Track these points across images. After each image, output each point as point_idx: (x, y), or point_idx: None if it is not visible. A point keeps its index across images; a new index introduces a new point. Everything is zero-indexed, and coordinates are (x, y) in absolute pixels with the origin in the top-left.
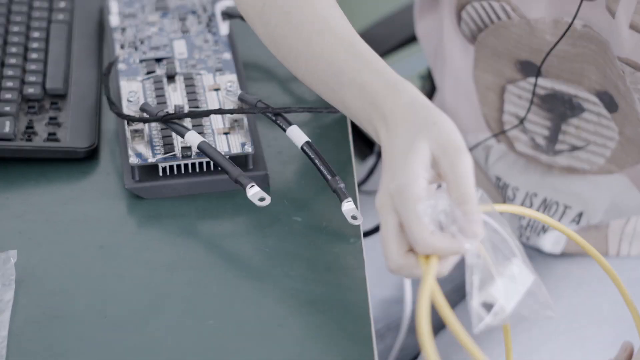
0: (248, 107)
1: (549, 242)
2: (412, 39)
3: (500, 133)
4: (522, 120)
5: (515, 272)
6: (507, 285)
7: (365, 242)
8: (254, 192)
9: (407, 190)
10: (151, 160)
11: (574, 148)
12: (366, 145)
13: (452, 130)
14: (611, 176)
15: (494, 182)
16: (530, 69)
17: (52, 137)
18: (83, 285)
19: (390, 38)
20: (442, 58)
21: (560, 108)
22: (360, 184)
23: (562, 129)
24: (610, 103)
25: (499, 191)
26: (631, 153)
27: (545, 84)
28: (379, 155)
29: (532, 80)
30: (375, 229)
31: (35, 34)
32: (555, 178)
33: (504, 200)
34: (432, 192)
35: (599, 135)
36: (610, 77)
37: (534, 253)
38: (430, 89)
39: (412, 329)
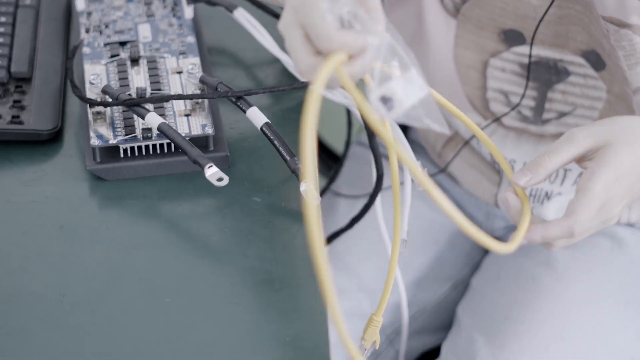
0: (209, 90)
1: (552, 210)
2: None
3: (494, 120)
4: (507, 95)
5: (414, 78)
6: (406, 85)
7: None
8: (212, 172)
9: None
10: (112, 141)
11: (562, 114)
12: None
13: None
14: None
15: (489, 160)
16: (515, 38)
17: (15, 119)
18: (42, 264)
19: None
20: (421, 44)
21: (545, 75)
22: (330, 183)
23: (548, 97)
24: (597, 62)
25: (495, 167)
26: (621, 110)
27: (529, 51)
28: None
29: (516, 49)
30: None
31: (2, 19)
32: (547, 146)
33: (500, 177)
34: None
35: (586, 98)
36: (595, 36)
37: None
38: None
39: (414, 333)
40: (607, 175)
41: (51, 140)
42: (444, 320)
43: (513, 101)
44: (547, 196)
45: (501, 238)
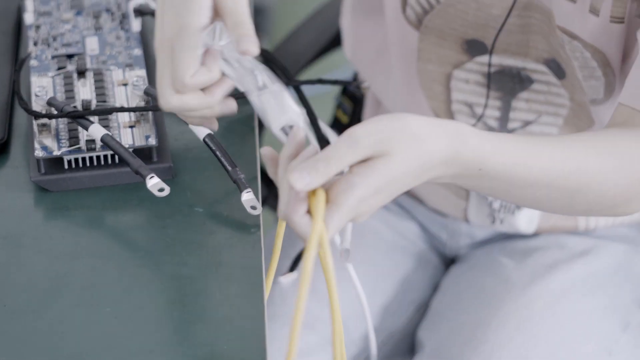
0: (154, 102)
1: (523, 221)
2: (331, 45)
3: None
4: (472, 106)
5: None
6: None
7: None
8: (153, 182)
9: (190, 27)
10: (56, 153)
11: (527, 123)
12: None
13: None
14: None
15: None
16: (476, 48)
17: None
18: None
19: (315, 44)
20: (385, 57)
21: (508, 84)
22: None
23: (513, 106)
24: (558, 70)
25: None
26: (583, 118)
27: (492, 61)
28: None
29: (479, 59)
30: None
31: None
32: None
33: (467, 190)
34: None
35: (550, 105)
36: (554, 46)
37: (483, 254)
38: (352, 108)
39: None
40: (370, 188)
41: None
42: (412, 344)
43: (478, 112)
44: (518, 207)
45: (466, 255)
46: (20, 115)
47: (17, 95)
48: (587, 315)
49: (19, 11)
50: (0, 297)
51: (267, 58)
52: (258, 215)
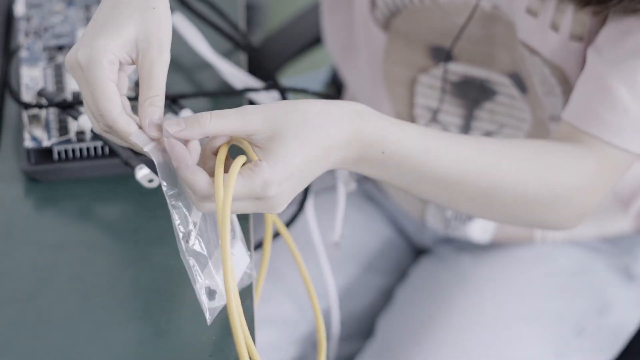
0: None
1: (477, 231)
2: (315, 42)
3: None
4: (435, 112)
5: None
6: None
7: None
8: (143, 174)
9: (96, 63)
10: (46, 143)
11: (488, 133)
12: None
13: (164, 20)
14: None
15: None
16: (441, 55)
17: None
18: None
19: (299, 39)
20: (352, 55)
21: (472, 93)
22: None
23: (475, 115)
24: (520, 84)
25: None
26: (543, 134)
27: (457, 69)
28: None
29: (444, 67)
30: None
31: None
32: None
33: None
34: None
35: (513, 118)
36: (516, 59)
37: (454, 249)
38: (335, 92)
39: (341, 339)
40: (277, 176)
41: None
42: (371, 329)
43: (439, 118)
44: (469, 218)
45: (431, 249)
46: (10, 106)
47: (7, 86)
48: (539, 317)
49: (10, 3)
50: None
51: (253, 57)
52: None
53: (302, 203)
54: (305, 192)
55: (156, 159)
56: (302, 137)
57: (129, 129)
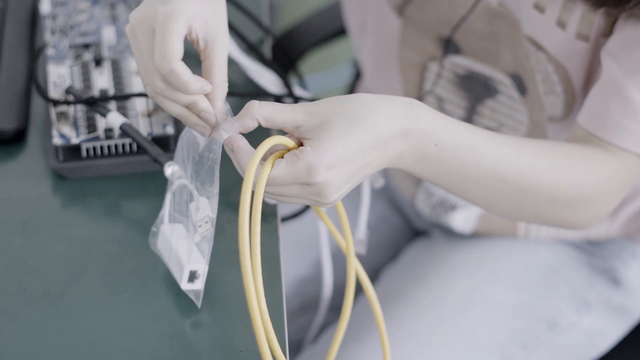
0: None
1: (459, 220)
2: (342, 31)
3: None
4: (441, 100)
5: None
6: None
7: (283, 226)
8: (172, 170)
9: (174, 18)
10: (74, 140)
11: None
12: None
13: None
14: None
15: None
16: (450, 47)
17: None
18: (3, 260)
19: (323, 29)
20: (367, 35)
21: (476, 89)
22: None
23: (477, 110)
24: (520, 86)
25: None
26: (540, 137)
27: (463, 63)
28: None
29: (452, 59)
30: (294, 215)
31: None
32: None
33: (419, 179)
34: None
35: (511, 119)
36: (519, 58)
37: (445, 233)
38: (357, 75)
39: (333, 307)
40: (321, 161)
41: (15, 139)
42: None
43: (445, 107)
44: (452, 207)
45: (426, 231)
46: (36, 103)
47: (35, 83)
48: (509, 307)
49: (35, 1)
50: (20, 283)
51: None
52: (275, 205)
53: None
54: None
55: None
56: (350, 126)
57: (190, 77)
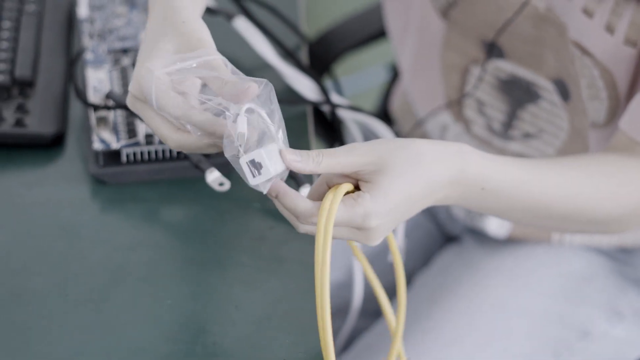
0: None
1: (494, 225)
2: (380, 35)
3: (456, 108)
4: (481, 104)
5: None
6: (272, 155)
7: None
8: (214, 177)
9: (147, 80)
10: (115, 146)
11: (527, 135)
12: (328, 140)
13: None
14: None
15: None
16: (493, 51)
17: (19, 123)
18: (45, 265)
19: (358, 32)
20: (409, 36)
21: (517, 94)
22: None
23: (518, 115)
24: (563, 91)
25: None
26: (578, 146)
27: (506, 67)
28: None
29: (495, 62)
30: None
31: (7, 24)
32: None
33: None
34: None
35: (552, 124)
36: (564, 62)
37: (478, 239)
38: (395, 77)
39: (364, 312)
40: (378, 209)
41: (54, 144)
42: None
43: (485, 111)
44: None
45: (458, 237)
46: (74, 108)
47: (74, 87)
48: (542, 315)
49: (71, 5)
50: (62, 287)
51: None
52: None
53: None
54: None
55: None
56: (406, 174)
57: (206, 116)
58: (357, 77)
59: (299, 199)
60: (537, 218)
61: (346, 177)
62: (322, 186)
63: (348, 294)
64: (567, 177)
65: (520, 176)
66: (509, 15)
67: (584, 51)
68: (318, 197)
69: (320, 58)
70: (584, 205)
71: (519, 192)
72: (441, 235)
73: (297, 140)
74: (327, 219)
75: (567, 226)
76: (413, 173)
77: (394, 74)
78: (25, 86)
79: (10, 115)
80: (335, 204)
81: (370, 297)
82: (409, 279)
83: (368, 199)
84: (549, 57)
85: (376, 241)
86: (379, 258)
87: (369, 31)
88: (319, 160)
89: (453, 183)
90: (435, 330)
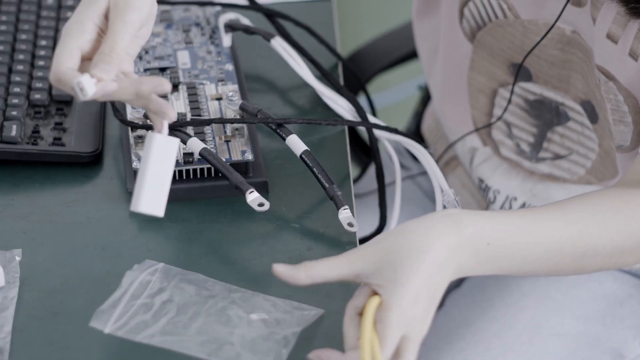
0: (249, 117)
1: None
2: (413, 54)
3: (485, 133)
4: (509, 126)
5: None
6: None
7: None
8: (253, 197)
9: (67, 28)
10: None
11: (557, 156)
12: (363, 156)
13: None
14: (590, 187)
15: (476, 183)
16: (522, 73)
17: (57, 141)
18: (84, 283)
19: (392, 52)
20: (438, 59)
21: (547, 115)
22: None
23: (547, 137)
24: (592, 113)
25: (481, 193)
26: (609, 167)
27: (534, 89)
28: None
29: (523, 85)
30: (371, 236)
31: (43, 42)
32: (535, 184)
33: (487, 203)
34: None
35: (582, 146)
36: (591, 86)
37: None
38: (427, 98)
39: None
40: (404, 308)
41: (91, 162)
42: None
43: (514, 133)
44: None
45: None
46: (111, 126)
47: (112, 106)
48: (575, 337)
49: None
50: None
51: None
52: (354, 233)
53: (384, 218)
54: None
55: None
56: (411, 262)
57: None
58: (390, 92)
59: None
60: (553, 265)
61: (361, 295)
62: (353, 331)
63: None
64: (570, 219)
65: (520, 225)
66: (536, 38)
67: (609, 76)
68: (355, 337)
69: (354, 76)
70: (593, 243)
71: (525, 242)
72: None
73: (335, 160)
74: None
75: (585, 266)
76: (415, 254)
77: (426, 94)
78: (62, 105)
79: (48, 133)
80: (365, 334)
81: None
82: (443, 299)
83: (391, 307)
84: (576, 79)
85: (422, 333)
86: None
87: (403, 50)
88: (311, 267)
89: (454, 249)
90: (467, 351)
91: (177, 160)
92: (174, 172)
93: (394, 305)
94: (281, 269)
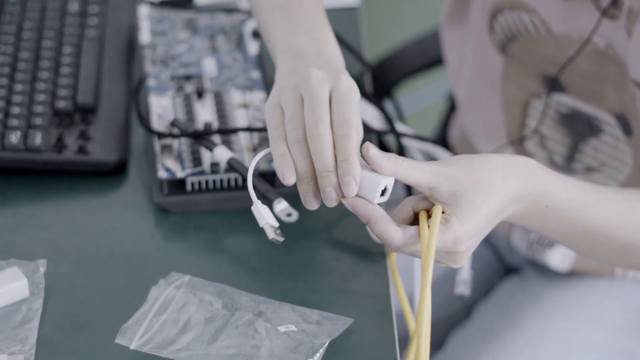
0: None
1: (556, 258)
2: (438, 61)
3: (518, 144)
4: (542, 137)
5: None
6: None
7: None
8: (281, 207)
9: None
10: (180, 175)
11: (590, 169)
12: None
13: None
14: None
15: None
16: (554, 85)
17: (82, 150)
18: (110, 294)
19: (418, 59)
20: (465, 69)
21: (579, 127)
22: None
23: (580, 149)
24: (626, 126)
25: None
26: None
27: (567, 101)
28: None
29: (555, 97)
30: None
31: (67, 50)
32: None
33: None
34: None
35: (615, 159)
36: (625, 100)
37: (539, 271)
38: (453, 106)
39: None
40: (468, 232)
41: (116, 171)
42: (443, 339)
43: (546, 145)
44: (550, 244)
45: (518, 268)
46: (135, 135)
47: (138, 114)
48: (605, 349)
49: (131, 30)
50: (126, 318)
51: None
52: (382, 244)
53: None
54: None
55: None
56: (485, 193)
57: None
58: (416, 97)
59: (391, 229)
60: (596, 246)
61: (425, 199)
62: (407, 209)
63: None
64: (631, 206)
65: (584, 198)
66: (569, 52)
67: None
68: (402, 219)
69: (381, 83)
70: None
71: (582, 214)
72: (501, 265)
73: None
74: (428, 251)
75: (626, 259)
76: (489, 193)
77: (452, 103)
78: (87, 113)
79: (72, 142)
80: (432, 238)
81: (434, 327)
82: (469, 309)
83: (457, 223)
84: (610, 92)
85: (461, 263)
86: (445, 287)
87: (430, 57)
88: (399, 162)
89: (520, 198)
90: None
91: (203, 171)
92: (204, 181)
93: (459, 230)
94: (374, 152)
